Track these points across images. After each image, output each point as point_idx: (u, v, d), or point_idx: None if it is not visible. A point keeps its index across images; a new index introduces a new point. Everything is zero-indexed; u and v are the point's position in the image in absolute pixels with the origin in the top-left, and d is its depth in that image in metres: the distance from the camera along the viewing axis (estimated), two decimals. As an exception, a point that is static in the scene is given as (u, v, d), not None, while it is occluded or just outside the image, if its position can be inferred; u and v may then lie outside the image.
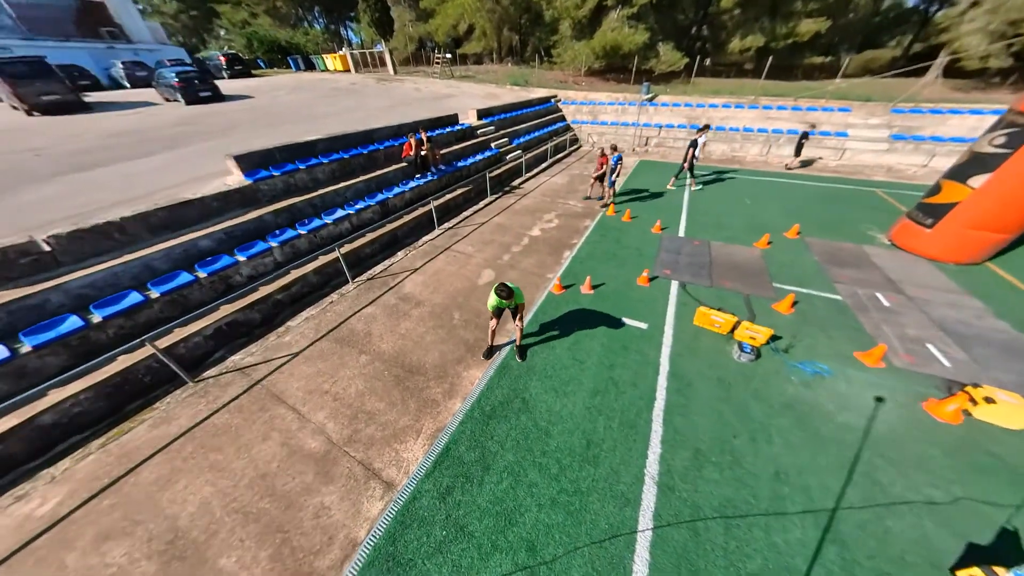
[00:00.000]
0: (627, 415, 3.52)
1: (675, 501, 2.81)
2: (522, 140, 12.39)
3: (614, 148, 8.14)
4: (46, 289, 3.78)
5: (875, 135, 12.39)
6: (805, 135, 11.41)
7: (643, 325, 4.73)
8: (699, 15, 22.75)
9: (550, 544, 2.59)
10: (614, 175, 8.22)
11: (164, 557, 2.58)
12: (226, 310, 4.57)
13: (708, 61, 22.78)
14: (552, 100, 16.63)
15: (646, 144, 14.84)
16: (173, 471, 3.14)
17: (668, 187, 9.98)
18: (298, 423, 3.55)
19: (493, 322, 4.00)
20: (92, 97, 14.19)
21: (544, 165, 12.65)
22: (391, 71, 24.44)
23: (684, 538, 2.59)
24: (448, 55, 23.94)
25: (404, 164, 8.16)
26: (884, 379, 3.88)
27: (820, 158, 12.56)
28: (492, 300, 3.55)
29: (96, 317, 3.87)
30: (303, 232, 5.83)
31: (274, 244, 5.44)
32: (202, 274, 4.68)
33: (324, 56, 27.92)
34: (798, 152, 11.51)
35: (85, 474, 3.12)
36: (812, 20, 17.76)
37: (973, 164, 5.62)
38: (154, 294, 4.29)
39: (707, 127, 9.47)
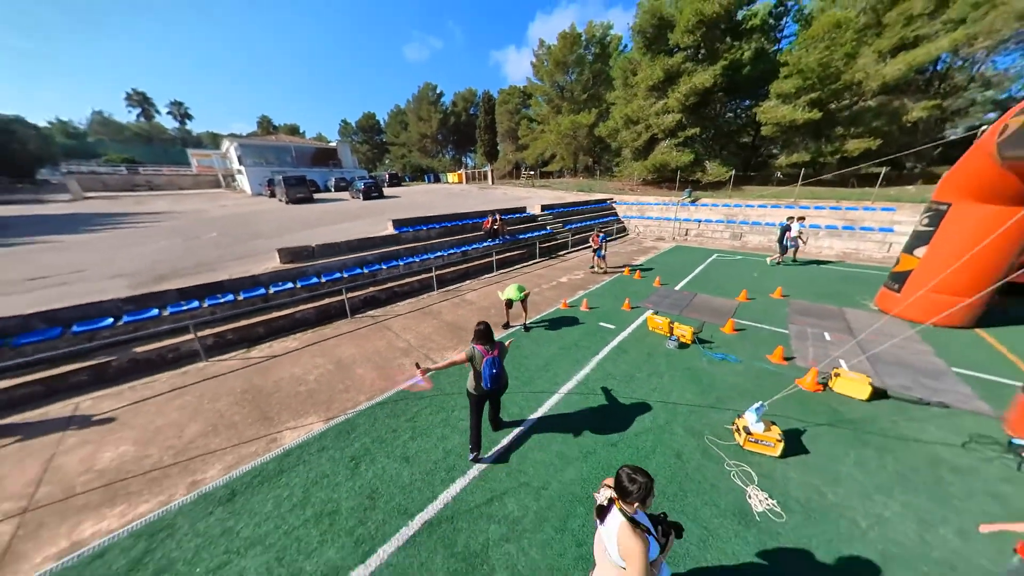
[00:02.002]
0: (576, 357, 5.67)
1: (583, 386, 4.83)
2: (573, 226, 16.19)
3: (602, 228, 11.15)
4: (308, 266, 8.08)
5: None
6: None
7: (612, 326, 6.86)
8: (751, 141, 26.44)
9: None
10: (602, 250, 10.93)
11: (334, 368, 5.64)
12: (370, 289, 8.37)
13: (773, 176, 25.33)
14: (607, 201, 20.87)
15: (686, 234, 17.22)
16: (339, 343, 6.41)
17: (768, 262, 11.84)
18: (395, 337, 6.62)
19: (505, 309, 6.76)
20: (317, 196, 23.71)
21: (588, 244, 15.92)
22: (490, 182, 33.07)
23: (581, 396, 4.59)
24: (532, 172, 31.63)
25: (481, 232, 12.34)
26: (779, 369, 5.23)
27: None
28: (506, 293, 6.40)
29: (323, 280, 7.95)
30: (416, 260, 9.85)
31: (401, 264, 9.46)
32: (365, 271, 8.73)
33: (447, 173, 39.46)
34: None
35: (306, 339, 6.62)
36: (861, 140, 19.50)
37: (916, 239, 6.85)
38: (344, 276, 8.35)
39: (802, 218, 11.31)
